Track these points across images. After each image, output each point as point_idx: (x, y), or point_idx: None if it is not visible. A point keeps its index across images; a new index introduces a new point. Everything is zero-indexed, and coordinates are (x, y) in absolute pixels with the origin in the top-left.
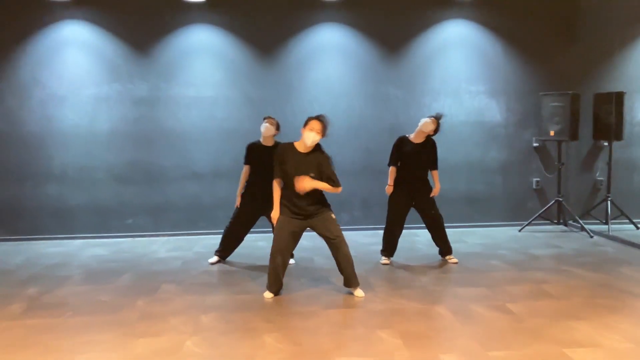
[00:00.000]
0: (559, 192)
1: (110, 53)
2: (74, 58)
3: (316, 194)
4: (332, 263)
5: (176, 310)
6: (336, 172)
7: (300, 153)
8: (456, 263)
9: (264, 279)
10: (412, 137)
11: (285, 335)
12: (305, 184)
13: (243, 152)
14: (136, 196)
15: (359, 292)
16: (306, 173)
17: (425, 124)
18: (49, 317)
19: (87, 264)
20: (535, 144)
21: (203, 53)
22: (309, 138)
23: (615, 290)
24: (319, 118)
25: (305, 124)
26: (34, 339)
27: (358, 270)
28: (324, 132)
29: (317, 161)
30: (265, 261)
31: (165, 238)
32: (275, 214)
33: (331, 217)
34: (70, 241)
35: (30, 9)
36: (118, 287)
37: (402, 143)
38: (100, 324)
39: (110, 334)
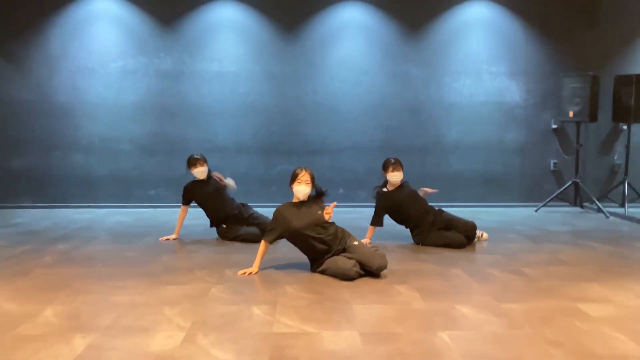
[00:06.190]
0: (576, 174)
1: (137, 27)
2: (102, 31)
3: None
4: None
5: (201, 264)
6: (354, 150)
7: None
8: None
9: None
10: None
11: (305, 286)
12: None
13: (264, 126)
14: (158, 168)
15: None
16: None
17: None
18: (81, 267)
19: (112, 227)
20: (554, 126)
21: (227, 28)
22: (299, 192)
23: (629, 260)
24: (305, 169)
25: (294, 179)
26: (67, 283)
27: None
28: (313, 181)
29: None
30: None
31: None
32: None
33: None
34: (95, 210)
35: None
36: (142, 246)
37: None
38: (129, 274)
39: (139, 281)
